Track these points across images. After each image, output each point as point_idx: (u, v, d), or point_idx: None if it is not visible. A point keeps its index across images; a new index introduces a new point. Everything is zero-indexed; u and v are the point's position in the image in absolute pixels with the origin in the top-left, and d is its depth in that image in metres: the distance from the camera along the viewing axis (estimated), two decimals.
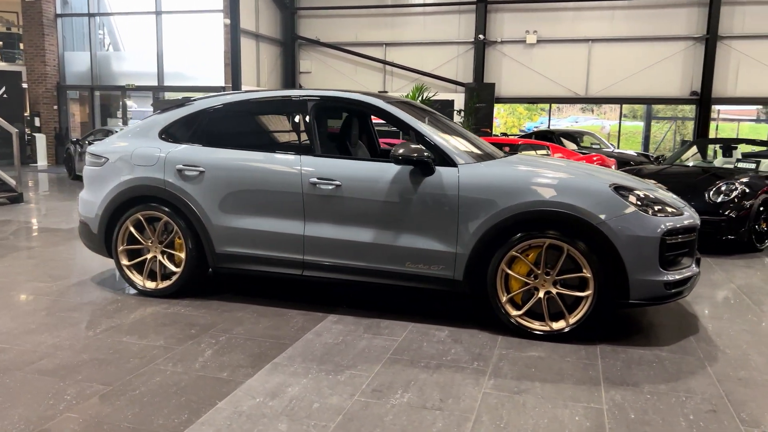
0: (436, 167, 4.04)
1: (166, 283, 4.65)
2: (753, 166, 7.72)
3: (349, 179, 4.18)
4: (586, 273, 3.77)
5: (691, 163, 8.53)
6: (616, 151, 13.66)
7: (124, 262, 4.73)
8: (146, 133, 4.78)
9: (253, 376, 3.29)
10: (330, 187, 4.19)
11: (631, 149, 16.42)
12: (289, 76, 19.00)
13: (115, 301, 4.58)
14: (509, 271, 3.92)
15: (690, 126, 21.56)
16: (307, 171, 4.26)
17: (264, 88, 17.59)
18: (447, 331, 4.03)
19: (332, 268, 4.30)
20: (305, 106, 4.47)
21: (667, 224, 3.77)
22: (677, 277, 3.82)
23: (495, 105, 17.03)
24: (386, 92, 18.08)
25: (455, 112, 16.56)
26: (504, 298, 3.95)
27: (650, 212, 3.79)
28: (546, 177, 3.94)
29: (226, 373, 3.32)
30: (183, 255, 4.56)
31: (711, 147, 9.21)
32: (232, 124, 4.68)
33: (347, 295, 4.78)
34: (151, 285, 4.69)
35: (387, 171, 4.14)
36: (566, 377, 3.35)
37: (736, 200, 6.64)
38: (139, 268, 4.73)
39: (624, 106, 17.88)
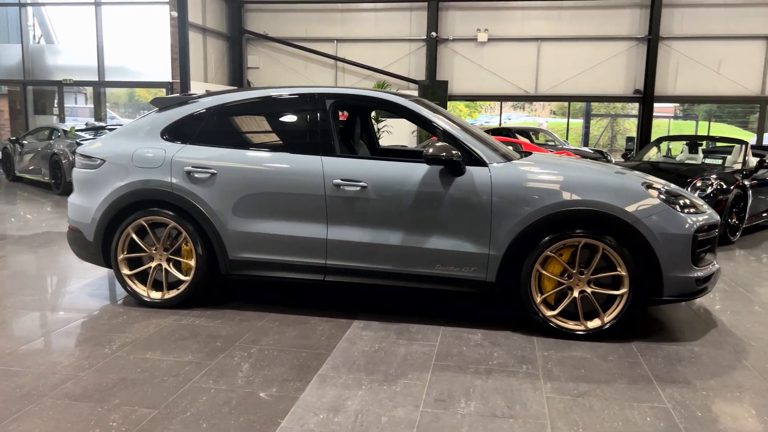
0: (467, 167, 3.96)
1: (173, 293, 4.36)
2: (720, 162, 8.07)
3: (375, 180, 4.04)
4: (621, 271, 3.79)
5: (658, 161, 8.83)
6: (572, 147, 14.02)
7: (125, 271, 4.41)
8: (145, 132, 4.46)
9: (304, 390, 3.11)
10: (355, 188, 4.04)
11: (573, 146, 16.90)
12: (237, 71, 18.46)
13: (118, 313, 4.25)
14: (543, 272, 3.90)
15: (622, 123, 22.46)
16: (331, 172, 4.09)
17: (214, 84, 17.03)
18: (480, 334, 3.97)
19: (357, 272, 4.15)
20: (324, 105, 4.29)
21: (698, 222, 3.85)
22: (705, 273, 3.90)
23: (448, 102, 17.13)
24: None
25: None
26: (539, 299, 3.92)
27: (681, 210, 3.85)
28: (579, 177, 3.94)
29: (275, 388, 3.13)
30: (192, 262, 4.29)
31: (665, 144, 9.55)
32: (244, 123, 4.44)
33: (362, 300, 4.63)
34: (156, 295, 4.39)
35: (415, 171, 4.03)
36: (618, 377, 3.35)
37: (712, 195, 6.91)
38: (140, 277, 4.42)
39: (556, 103, 18.29)
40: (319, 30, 18.18)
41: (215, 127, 4.39)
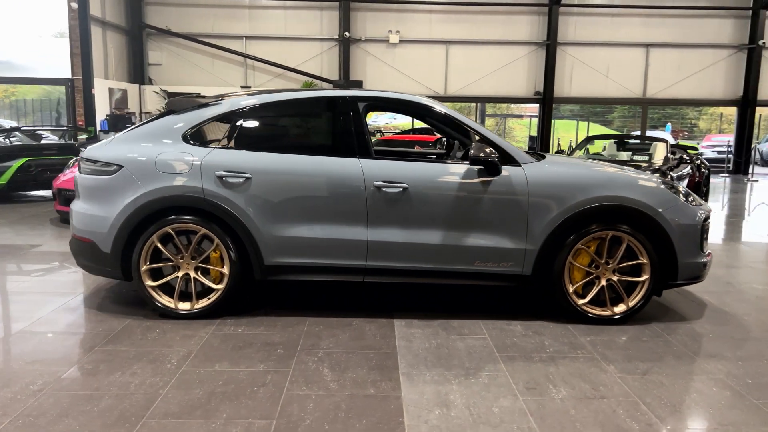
0: (502, 167, 4.18)
1: (204, 302, 4.20)
2: (647, 158, 8.93)
3: (416, 181, 4.15)
4: (644, 259, 4.19)
5: (587, 158, 9.58)
6: None
7: (149, 283, 4.18)
8: (164, 135, 4.25)
9: (400, 389, 3.18)
10: (397, 190, 4.13)
11: None
12: (138, 67, 17.47)
13: (148, 327, 4.02)
14: (575, 263, 4.21)
15: (508, 122, 23.91)
16: (371, 174, 4.14)
17: (114, 79, 16.00)
18: (519, 325, 4.20)
19: (397, 272, 4.24)
20: (357, 107, 4.32)
21: (702, 213, 4.34)
22: (708, 258, 4.41)
23: None
24: (249, 87, 17.48)
25: None
26: (571, 289, 4.23)
27: (690, 203, 4.32)
28: (606, 175, 4.30)
29: (372, 389, 3.17)
30: (226, 270, 4.15)
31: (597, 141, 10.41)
32: (274, 126, 4.35)
33: (375, 298, 4.72)
34: (184, 306, 4.20)
35: (454, 172, 4.18)
36: (663, 355, 3.72)
37: None
38: (162, 288, 4.21)
39: (462, 104, 19.19)
40: (226, 26, 17.65)
41: (243, 130, 4.28)
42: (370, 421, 2.83)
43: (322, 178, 4.15)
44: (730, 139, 19.56)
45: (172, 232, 4.13)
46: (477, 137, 4.30)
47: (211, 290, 4.22)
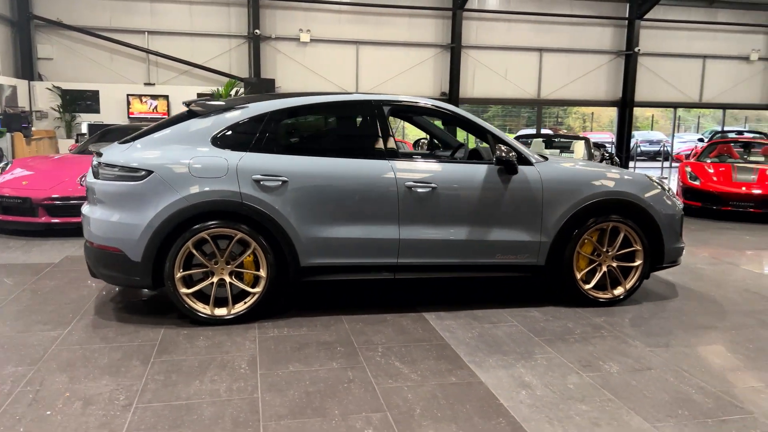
0: (519, 166, 4.54)
1: (240, 307, 4.18)
2: (572, 155, 9.77)
3: (444, 181, 4.39)
4: (637, 246, 4.73)
5: None
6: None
7: (184, 290, 4.09)
8: (192, 139, 4.16)
9: (478, 376, 3.42)
10: (426, 189, 4.35)
11: None
12: (27, 62, 16.04)
13: (189, 335, 3.95)
14: (581, 252, 4.67)
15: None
16: (403, 175, 4.33)
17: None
18: (536, 312, 4.59)
19: (425, 268, 4.47)
20: (383, 111, 4.48)
21: (681, 205, 4.97)
22: (684, 244, 5.05)
23: None
24: (153, 84, 16.70)
25: None
26: (579, 276, 4.68)
27: (669, 197, 4.93)
28: (605, 172, 4.78)
29: (453, 378, 3.39)
30: (263, 273, 4.16)
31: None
32: (305, 129, 4.40)
33: (396, 295, 4.93)
34: (221, 312, 4.15)
35: (477, 172, 4.48)
36: (674, 329, 4.26)
37: None
38: (195, 295, 4.14)
39: None
40: (126, 20, 16.69)
41: (275, 134, 4.29)
42: (473, 406, 3.06)
43: (356, 179, 4.27)
44: (604, 136, 21.34)
45: (208, 238, 4.07)
46: (491, 138, 4.61)
47: (244, 295, 4.21)
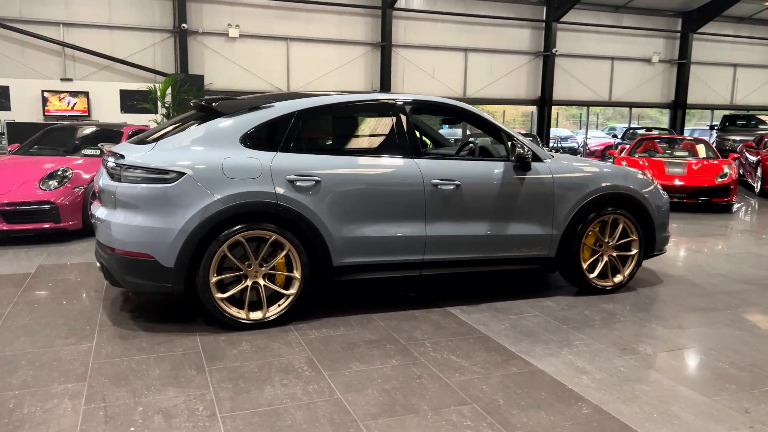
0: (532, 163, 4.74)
1: (275, 310, 4.11)
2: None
3: (466, 178, 4.52)
4: (634, 236, 5.08)
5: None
6: None
7: (219, 295, 3.96)
8: (220, 140, 4.03)
9: (534, 364, 3.57)
10: (451, 187, 4.46)
11: None
12: None
13: (229, 341, 3.84)
14: (586, 243, 4.95)
15: None
16: (428, 173, 4.41)
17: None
18: (548, 302, 4.82)
19: (449, 264, 4.58)
20: (405, 110, 4.53)
21: (667, 197, 5.37)
22: (669, 233, 5.46)
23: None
24: (71, 80, 15.67)
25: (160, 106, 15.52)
26: (585, 266, 4.96)
27: (660, 189, 5.32)
28: (607, 168, 5.09)
29: (513, 368, 3.52)
30: (297, 274, 4.11)
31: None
32: (333, 129, 4.36)
33: (410, 292, 5.02)
34: (256, 316, 4.06)
35: (495, 169, 4.64)
36: (679, 312, 4.61)
37: None
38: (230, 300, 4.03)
39: None
40: (38, 11, 15.57)
41: (305, 133, 4.24)
42: (547, 393, 3.20)
43: (386, 178, 4.31)
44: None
45: (243, 240, 3.97)
46: (505, 136, 4.78)
47: (276, 297, 4.14)
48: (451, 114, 5.06)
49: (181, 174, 3.85)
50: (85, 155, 7.71)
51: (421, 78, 19.30)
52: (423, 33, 19.20)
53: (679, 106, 23.02)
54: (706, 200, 9.96)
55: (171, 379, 3.28)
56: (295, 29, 17.74)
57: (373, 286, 5.02)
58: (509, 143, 4.70)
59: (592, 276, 4.99)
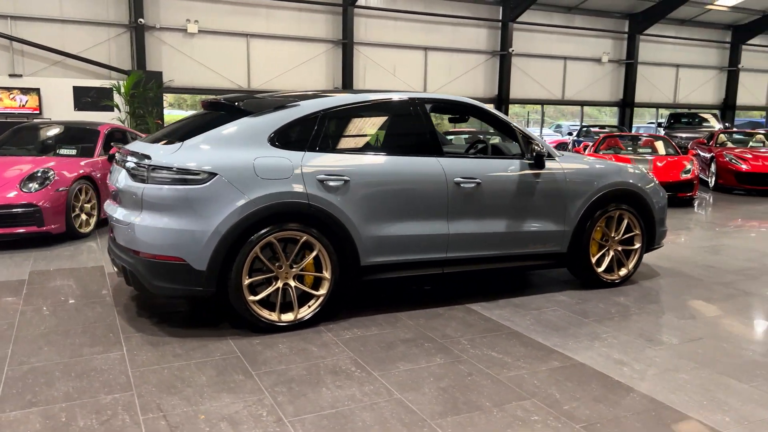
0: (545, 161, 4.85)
1: (306, 311, 4.06)
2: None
3: (486, 176, 4.58)
4: (637, 231, 5.26)
5: None
6: None
7: (251, 298, 3.88)
8: (248, 139, 3.95)
9: (573, 358, 3.66)
10: (472, 185, 4.51)
11: None
12: None
13: (265, 344, 3.77)
14: (595, 239, 5.09)
15: None
16: (450, 172, 4.45)
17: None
18: (561, 296, 4.94)
19: (470, 261, 4.63)
20: (425, 108, 4.55)
21: (664, 191, 5.59)
22: (667, 228, 5.69)
23: (164, 95, 16.11)
24: (20, 75, 14.93)
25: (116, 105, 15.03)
26: (594, 261, 5.10)
27: (659, 185, 5.52)
28: (613, 165, 5.25)
29: (555, 362, 3.60)
30: (327, 274, 4.07)
31: None
32: (360, 127, 4.33)
33: (425, 290, 5.05)
34: (288, 317, 4.00)
35: (512, 166, 4.72)
36: (684, 301, 4.81)
37: None
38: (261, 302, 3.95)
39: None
40: None
41: (331, 132, 4.20)
42: (597, 385, 3.29)
43: (411, 177, 4.32)
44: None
45: (275, 241, 3.90)
46: (519, 134, 4.86)
47: (306, 298, 4.09)
48: (469, 113, 5.10)
49: (213, 174, 3.75)
50: (60, 155, 7.39)
51: (383, 76, 19.32)
52: (384, 31, 19.22)
53: (627, 105, 23.87)
54: (671, 195, 10.34)
55: (221, 385, 3.19)
56: (256, 25, 17.44)
57: (387, 283, 5.01)
58: (525, 141, 4.79)
59: (600, 270, 5.14)
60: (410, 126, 4.54)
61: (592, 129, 20.47)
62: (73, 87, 15.21)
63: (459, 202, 4.48)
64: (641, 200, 5.22)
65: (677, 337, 4.05)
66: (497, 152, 5.16)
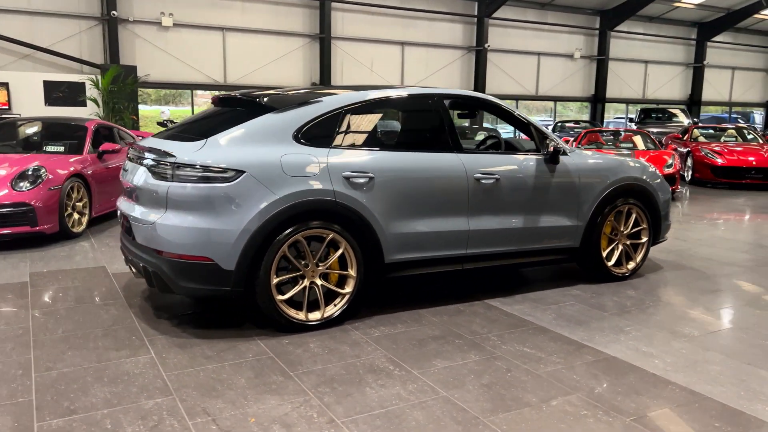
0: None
1: (332, 309, 4.01)
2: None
3: (504, 172, 4.59)
4: (644, 225, 5.35)
5: None
6: None
7: (279, 297, 3.82)
8: (272, 136, 3.87)
9: (604, 352, 3.70)
10: (491, 181, 4.52)
11: None
12: None
13: (295, 343, 3.71)
14: (605, 233, 5.16)
15: None
16: (470, 168, 4.44)
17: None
18: (574, 290, 4.99)
19: (488, 257, 4.64)
20: (444, 104, 4.53)
21: (668, 186, 5.69)
22: (671, 222, 5.79)
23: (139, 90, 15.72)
24: None
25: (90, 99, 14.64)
26: (605, 254, 5.17)
27: (664, 180, 5.62)
28: (622, 160, 5.31)
29: (588, 356, 3.64)
30: (353, 272, 4.03)
31: None
32: (382, 123, 4.28)
33: (440, 287, 5.05)
34: (315, 316, 3.95)
35: (528, 162, 4.74)
36: (693, 294, 4.91)
37: None
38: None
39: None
40: None
41: (353, 128, 4.15)
42: (635, 377, 3.33)
43: (434, 173, 4.30)
44: None
45: (302, 240, 3.84)
46: (534, 131, 4.89)
47: (331, 297, 4.04)
48: (485, 109, 5.10)
49: (241, 172, 3.67)
50: (47, 152, 7.15)
51: (360, 71, 19.23)
52: (361, 26, 19.12)
53: (598, 100, 24.28)
54: None
55: (262, 387, 3.13)
56: (232, 19, 17.16)
57: (407, 280, 4.99)
58: (540, 137, 4.82)
59: (609, 264, 5.21)
60: (431, 122, 4.51)
61: (567, 124, 20.76)
62: (44, 81, 14.78)
63: (479, 197, 4.48)
64: (648, 195, 5.30)
65: (697, 329, 4.12)
66: (511, 148, 5.18)
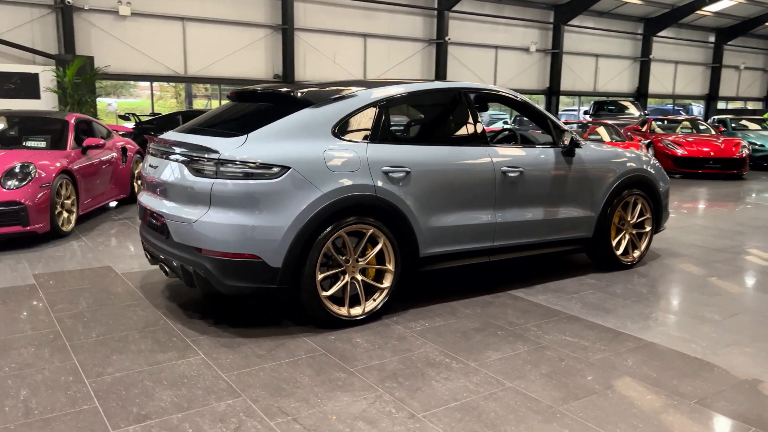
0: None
1: (372, 304, 4.01)
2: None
3: (528, 165, 4.67)
4: (648, 215, 5.56)
5: None
6: None
7: (324, 293, 3.78)
8: (311, 131, 3.82)
9: (642, 339, 3.83)
10: (517, 173, 4.59)
11: None
12: None
13: (341, 338, 3.69)
14: (614, 223, 5.33)
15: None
16: (498, 161, 4.51)
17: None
18: (588, 279, 5.14)
19: (512, 249, 4.72)
20: (470, 99, 4.57)
21: (667, 177, 5.92)
22: (669, 212, 6.03)
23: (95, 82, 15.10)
24: None
25: (47, 90, 14.02)
26: (614, 244, 5.34)
27: (663, 170, 5.84)
28: (630, 153, 5.48)
29: (629, 342, 3.76)
30: (391, 266, 4.03)
31: None
32: (416, 117, 4.28)
33: (457, 280, 5.12)
34: (356, 311, 3.94)
35: (548, 155, 4.85)
36: (698, 279, 5.14)
37: None
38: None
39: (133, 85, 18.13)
40: None
41: (389, 123, 4.14)
42: (681, 362, 3.47)
43: (466, 166, 4.34)
44: None
45: (345, 235, 3.82)
46: (551, 124, 4.99)
47: (371, 291, 4.04)
48: (506, 103, 5.16)
49: (286, 168, 3.61)
50: (28, 148, 6.82)
51: (323, 63, 19.07)
52: (323, 17, 18.93)
53: (553, 93, 24.88)
54: None
55: (328, 384, 3.11)
56: (191, 8, 16.69)
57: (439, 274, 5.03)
58: (557, 130, 4.92)
59: (618, 253, 5.39)
60: (460, 115, 4.54)
61: (524, 119, 21.14)
62: None
63: (505, 190, 4.55)
64: (652, 186, 5.50)
65: (717, 313, 4.32)
66: (526, 141, 5.27)
